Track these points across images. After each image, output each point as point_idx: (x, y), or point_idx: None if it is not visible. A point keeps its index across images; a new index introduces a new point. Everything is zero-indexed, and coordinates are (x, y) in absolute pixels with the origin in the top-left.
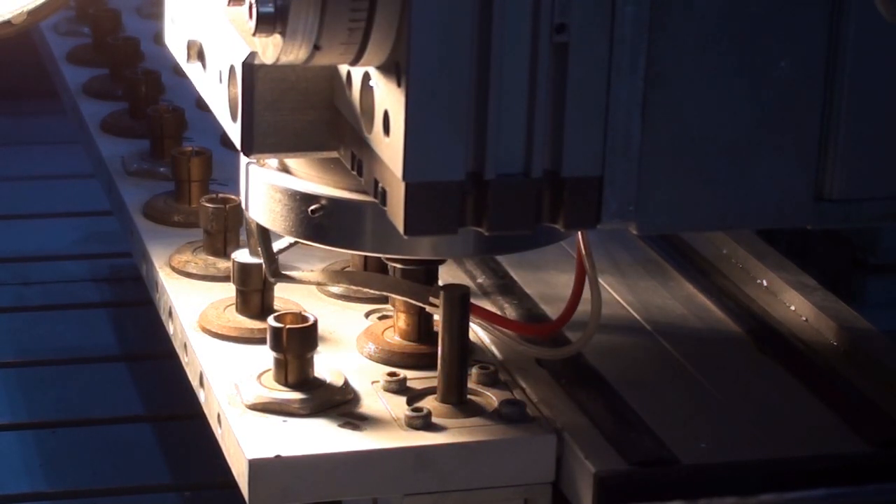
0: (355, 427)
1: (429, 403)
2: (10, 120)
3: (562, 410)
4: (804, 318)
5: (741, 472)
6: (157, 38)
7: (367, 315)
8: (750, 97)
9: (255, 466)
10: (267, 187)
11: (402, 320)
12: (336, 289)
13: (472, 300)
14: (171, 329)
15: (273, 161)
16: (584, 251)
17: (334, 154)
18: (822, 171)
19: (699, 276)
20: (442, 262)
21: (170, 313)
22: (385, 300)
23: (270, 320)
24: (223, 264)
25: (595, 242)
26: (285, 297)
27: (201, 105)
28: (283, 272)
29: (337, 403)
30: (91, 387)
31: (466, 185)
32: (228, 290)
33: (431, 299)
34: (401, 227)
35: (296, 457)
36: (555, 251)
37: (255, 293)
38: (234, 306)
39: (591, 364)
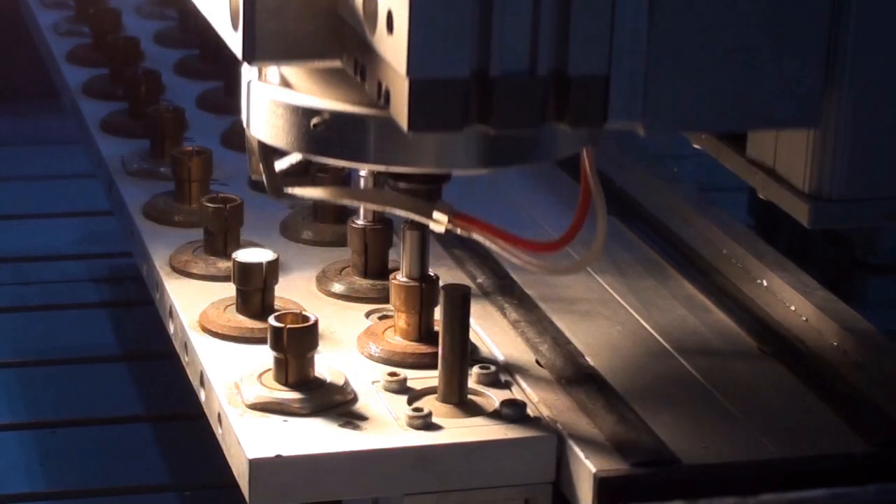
0: (355, 427)
1: (429, 403)
2: (10, 120)
3: (562, 410)
4: (804, 318)
5: (741, 472)
6: (157, 37)
7: (367, 315)
8: None
9: (256, 466)
10: (268, 103)
11: (402, 320)
12: (336, 289)
13: (473, 218)
14: (171, 329)
15: (274, 77)
16: (588, 168)
17: (336, 63)
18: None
19: (699, 276)
20: (444, 179)
21: (170, 313)
22: (385, 300)
23: (271, 320)
24: (223, 264)
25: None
26: (285, 297)
27: (201, 105)
28: (286, 190)
29: (337, 403)
30: (91, 387)
31: (471, 82)
32: (228, 290)
33: (435, 215)
34: (404, 125)
35: (296, 457)
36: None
37: (255, 293)
38: (234, 306)
39: (591, 364)
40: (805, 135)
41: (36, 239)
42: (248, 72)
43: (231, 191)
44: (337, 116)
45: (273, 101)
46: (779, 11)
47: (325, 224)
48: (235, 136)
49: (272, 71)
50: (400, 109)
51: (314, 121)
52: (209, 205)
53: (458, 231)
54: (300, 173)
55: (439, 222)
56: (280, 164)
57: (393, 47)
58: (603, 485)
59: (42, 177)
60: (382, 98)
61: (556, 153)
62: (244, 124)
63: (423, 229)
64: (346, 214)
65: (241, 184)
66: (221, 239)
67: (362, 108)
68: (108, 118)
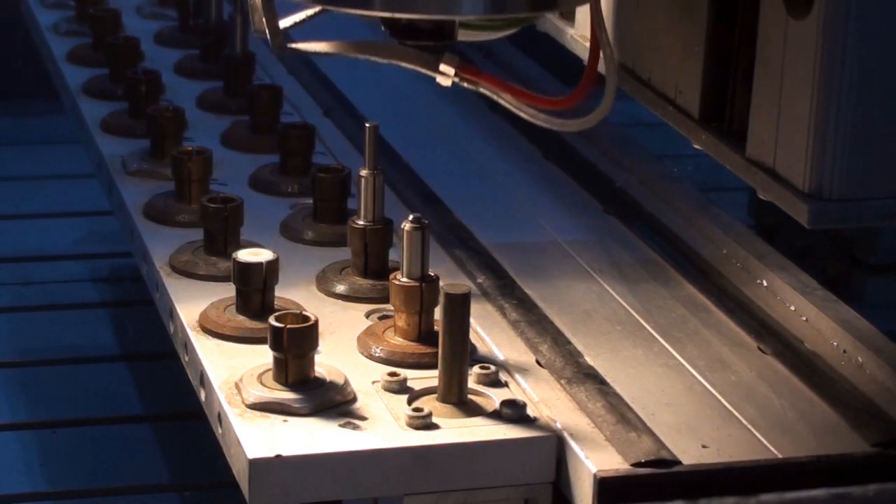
0: (355, 427)
1: (429, 403)
2: (10, 120)
3: (562, 410)
4: (804, 318)
5: (741, 472)
6: (157, 37)
7: (367, 315)
8: None
9: (256, 466)
10: None
11: (402, 320)
12: (336, 289)
13: (480, 71)
14: (171, 329)
15: None
16: (595, 22)
17: None
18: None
19: (699, 277)
20: (449, 37)
21: (170, 313)
22: (385, 300)
23: (271, 320)
24: (223, 264)
25: (595, 243)
26: (285, 297)
27: (201, 105)
28: (289, 45)
29: (337, 403)
30: (91, 387)
31: None
32: (228, 290)
33: (442, 67)
34: None
35: (296, 457)
36: (555, 252)
37: (255, 293)
38: (234, 306)
39: (591, 364)
40: (805, 135)
41: (36, 239)
42: None
43: (231, 191)
44: None
45: None
46: None
47: (325, 224)
48: (235, 137)
49: None
50: None
51: None
52: (209, 205)
53: (465, 84)
54: (299, 172)
55: (446, 74)
56: (285, 22)
57: None
58: (603, 485)
59: (42, 177)
60: None
61: (563, 3)
62: None
63: (424, 229)
64: (346, 215)
65: (242, 184)
66: (221, 239)
67: None
68: (108, 118)
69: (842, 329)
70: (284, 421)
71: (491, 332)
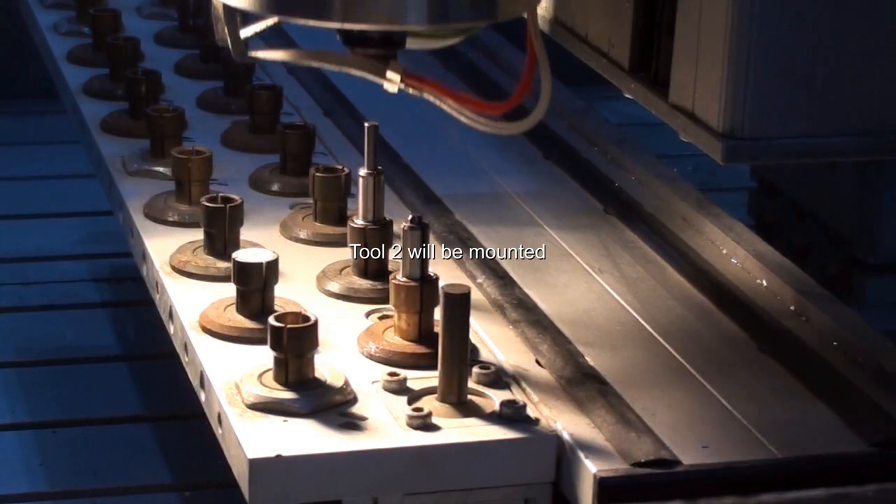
0: (355, 427)
1: (429, 403)
2: (10, 120)
3: (562, 410)
4: (804, 318)
5: (741, 472)
6: (157, 37)
7: (367, 315)
8: None
9: (255, 466)
10: None
11: (402, 320)
12: (336, 289)
13: (424, 78)
14: (171, 329)
15: None
16: (532, 29)
17: None
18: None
19: (699, 276)
20: (398, 45)
21: (170, 313)
22: (385, 300)
23: (270, 320)
24: (223, 264)
25: (595, 243)
26: (285, 297)
27: (201, 105)
28: (250, 53)
29: (337, 403)
30: (91, 387)
31: None
32: (228, 290)
33: (388, 74)
34: None
35: (296, 457)
36: (555, 251)
37: (255, 293)
38: (234, 306)
39: (591, 364)
40: (720, 80)
41: (36, 239)
42: None
43: (231, 191)
44: None
45: None
46: None
47: (325, 223)
48: (236, 137)
49: None
50: None
51: None
52: (209, 205)
53: (411, 91)
54: (299, 172)
55: (392, 81)
56: (245, 32)
57: None
58: (603, 485)
59: (42, 177)
60: None
61: (503, 13)
62: None
63: (424, 229)
64: (346, 215)
65: (241, 184)
66: (221, 239)
67: None
68: (108, 118)
69: (841, 329)
70: (284, 421)
71: (491, 332)
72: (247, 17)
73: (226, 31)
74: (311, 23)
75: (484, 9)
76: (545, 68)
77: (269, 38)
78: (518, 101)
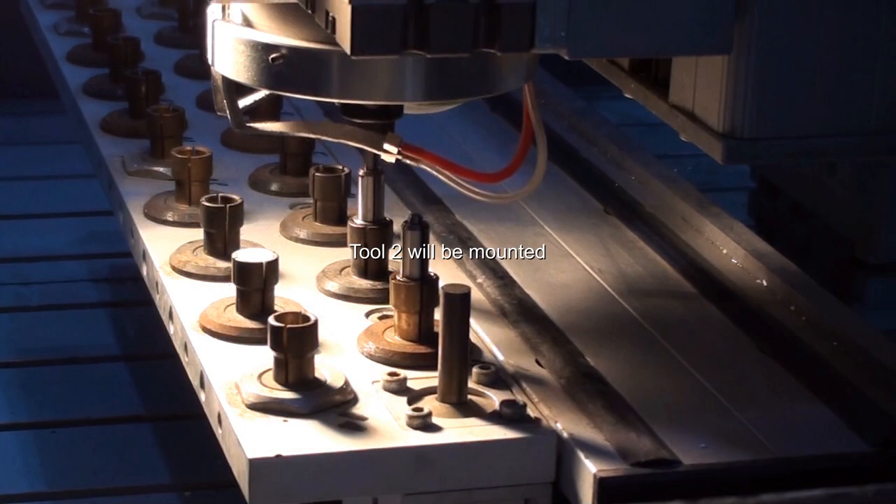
0: (355, 427)
1: (429, 403)
2: (10, 120)
3: (562, 410)
4: (804, 318)
5: (741, 472)
6: (157, 37)
7: (367, 315)
8: None
9: (255, 466)
10: (231, 40)
11: (402, 320)
12: (336, 289)
13: (421, 149)
14: (171, 329)
15: (237, 17)
16: (529, 103)
17: None
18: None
19: (699, 277)
20: (395, 115)
21: (170, 313)
22: (385, 300)
23: (270, 320)
24: (223, 264)
25: (595, 243)
26: (285, 297)
27: (201, 105)
28: (248, 124)
29: (337, 403)
30: (91, 387)
31: (408, 8)
32: (228, 290)
33: (385, 145)
34: (348, 49)
35: (296, 457)
36: (555, 252)
37: (255, 293)
38: (234, 306)
39: (591, 364)
40: (720, 79)
41: (36, 239)
42: (212, 12)
43: (231, 191)
44: (294, 52)
45: (235, 38)
46: None
47: (325, 223)
48: (235, 137)
49: (235, 10)
50: (344, 35)
51: (273, 56)
52: (209, 205)
53: (407, 161)
54: (299, 172)
55: (389, 153)
56: (244, 102)
57: None
58: (603, 485)
59: (42, 177)
60: (329, 26)
61: (498, 87)
62: (209, 62)
63: (424, 229)
64: (346, 215)
65: (242, 184)
66: (221, 239)
67: (317, 45)
68: (108, 118)
69: (841, 329)
70: (284, 421)
71: (491, 332)
72: (245, 88)
73: (225, 101)
74: (310, 98)
75: (480, 85)
76: (541, 140)
77: None
78: (513, 172)
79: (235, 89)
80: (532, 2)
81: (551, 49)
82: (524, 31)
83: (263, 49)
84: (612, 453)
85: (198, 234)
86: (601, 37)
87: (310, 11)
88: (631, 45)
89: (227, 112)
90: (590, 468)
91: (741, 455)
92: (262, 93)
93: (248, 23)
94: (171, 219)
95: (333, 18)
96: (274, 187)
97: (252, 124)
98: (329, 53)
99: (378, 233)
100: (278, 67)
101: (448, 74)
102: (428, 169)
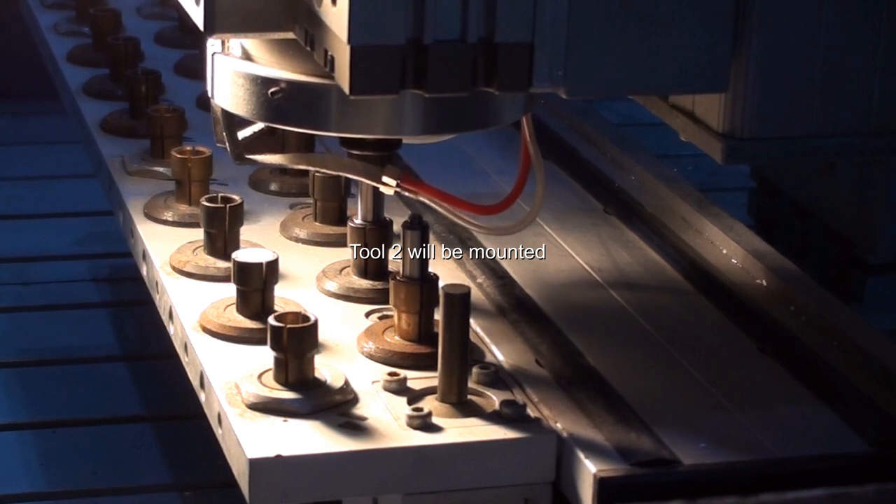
0: (355, 427)
1: (429, 403)
2: (10, 120)
3: (562, 410)
4: (804, 318)
5: (741, 472)
6: (157, 37)
7: (367, 315)
8: None
9: (256, 466)
10: (231, 74)
11: (402, 320)
12: (336, 289)
13: (420, 182)
14: (171, 329)
15: (236, 50)
16: (528, 135)
17: (290, 34)
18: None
19: (699, 277)
20: (394, 147)
21: (170, 313)
22: (385, 300)
23: (270, 320)
24: (223, 264)
25: (595, 243)
26: (285, 297)
27: (201, 105)
28: (247, 156)
29: (337, 403)
30: (91, 387)
31: (407, 49)
32: (228, 290)
33: (384, 178)
34: (347, 89)
35: (296, 457)
36: (555, 252)
37: (255, 293)
38: (234, 306)
39: (591, 364)
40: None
41: (36, 239)
42: (212, 44)
43: (231, 191)
44: (293, 86)
45: (235, 71)
46: None
47: (326, 224)
48: None
49: (234, 43)
50: (343, 74)
51: (272, 90)
52: (209, 205)
53: (406, 193)
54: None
55: (388, 185)
56: (243, 133)
57: (336, 17)
58: (603, 485)
59: (42, 177)
60: (328, 65)
61: (497, 121)
62: (209, 94)
63: (424, 229)
64: (346, 215)
65: (242, 184)
66: (221, 239)
67: (315, 79)
68: (108, 118)
69: (841, 329)
70: (284, 421)
71: (491, 332)
72: (245, 120)
73: (224, 133)
74: (308, 132)
75: (479, 119)
76: (540, 172)
77: None
78: (511, 204)
79: (235, 122)
80: (530, 42)
81: (549, 88)
82: (522, 70)
83: (262, 83)
84: (612, 453)
85: (198, 234)
86: (599, 76)
87: (309, 48)
88: (628, 84)
89: (227, 144)
90: (590, 468)
91: (741, 455)
92: (260, 125)
93: (247, 56)
94: (171, 219)
95: (332, 57)
96: (274, 187)
97: (251, 156)
98: (328, 88)
99: (378, 233)
100: (277, 101)
101: (446, 109)
102: (427, 201)
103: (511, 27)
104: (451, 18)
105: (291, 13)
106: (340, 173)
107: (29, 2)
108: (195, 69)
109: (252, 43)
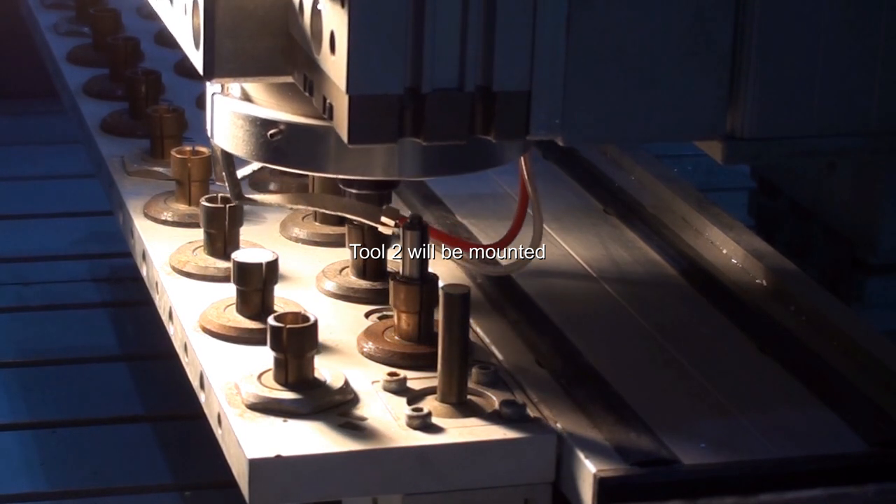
0: (355, 427)
1: (429, 403)
2: (10, 120)
3: (562, 410)
4: (804, 319)
5: (741, 472)
6: (157, 37)
7: (367, 315)
8: (666, 18)
9: (255, 466)
10: (230, 115)
11: (402, 320)
12: (336, 289)
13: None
14: (171, 329)
15: (236, 91)
16: (526, 175)
17: (289, 78)
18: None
19: (699, 277)
20: (392, 186)
21: (170, 313)
22: (385, 300)
23: (270, 320)
24: (223, 264)
25: (595, 243)
26: (285, 297)
27: (201, 105)
28: (246, 196)
29: (337, 403)
30: (91, 387)
31: (405, 98)
32: (228, 290)
33: (383, 219)
34: (345, 137)
35: (296, 457)
36: (555, 252)
37: (255, 293)
38: (234, 306)
39: (591, 364)
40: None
41: (36, 239)
42: (211, 85)
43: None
44: (292, 127)
45: (234, 112)
46: (685, 32)
47: (326, 224)
48: None
49: (234, 85)
50: (341, 123)
51: (271, 132)
52: (209, 205)
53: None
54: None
55: (387, 225)
56: (241, 172)
57: (335, 66)
58: (603, 485)
59: (42, 177)
60: (327, 112)
61: (495, 162)
62: (208, 134)
63: (423, 229)
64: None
65: (242, 184)
66: (221, 239)
67: (314, 121)
68: (108, 118)
69: (841, 329)
70: (284, 421)
71: (491, 332)
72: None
73: (224, 173)
74: (305, 172)
75: (478, 160)
76: (537, 211)
77: None
78: (510, 242)
79: (234, 161)
80: (527, 91)
81: (546, 136)
82: (519, 118)
83: (261, 124)
84: (611, 453)
85: (198, 234)
86: (596, 124)
87: (307, 93)
88: (625, 132)
89: (226, 183)
90: (590, 468)
91: (741, 455)
92: (256, 165)
93: (246, 97)
94: (170, 219)
95: (331, 105)
96: (274, 187)
97: (250, 195)
98: (327, 130)
99: (378, 233)
100: (276, 143)
101: (445, 151)
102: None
103: (509, 76)
104: (450, 67)
105: (290, 59)
106: (339, 213)
107: (29, 2)
108: (195, 69)
109: (251, 84)
